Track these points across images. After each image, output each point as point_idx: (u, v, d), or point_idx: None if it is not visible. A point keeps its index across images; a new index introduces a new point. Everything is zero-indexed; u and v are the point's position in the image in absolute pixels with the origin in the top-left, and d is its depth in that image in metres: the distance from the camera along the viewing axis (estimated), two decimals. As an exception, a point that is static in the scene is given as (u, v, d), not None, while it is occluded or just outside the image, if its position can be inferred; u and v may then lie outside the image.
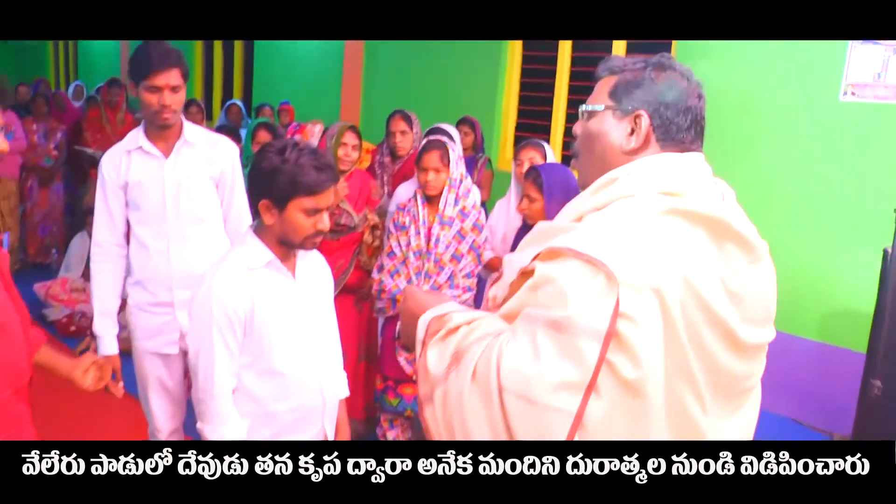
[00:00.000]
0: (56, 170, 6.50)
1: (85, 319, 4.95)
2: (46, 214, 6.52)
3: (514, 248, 3.06)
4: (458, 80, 5.97)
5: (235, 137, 4.35)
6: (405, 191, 3.53)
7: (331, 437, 2.07)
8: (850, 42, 3.84)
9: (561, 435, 1.04)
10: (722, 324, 1.12)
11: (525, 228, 3.03)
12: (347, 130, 3.42)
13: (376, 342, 3.53)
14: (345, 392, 2.18)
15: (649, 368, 1.04)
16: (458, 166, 3.09)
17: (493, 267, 3.30)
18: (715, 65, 4.41)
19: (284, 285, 1.92)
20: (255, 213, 1.94)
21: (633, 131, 1.21)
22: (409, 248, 3.07)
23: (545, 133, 5.47)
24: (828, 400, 4.01)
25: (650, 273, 1.05)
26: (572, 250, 1.07)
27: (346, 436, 2.12)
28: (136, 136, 2.51)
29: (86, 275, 5.53)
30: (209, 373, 1.87)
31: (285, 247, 1.93)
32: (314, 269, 2.04)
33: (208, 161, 2.54)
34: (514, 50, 5.73)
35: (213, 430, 1.91)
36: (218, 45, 9.00)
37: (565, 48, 5.40)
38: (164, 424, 2.66)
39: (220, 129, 4.48)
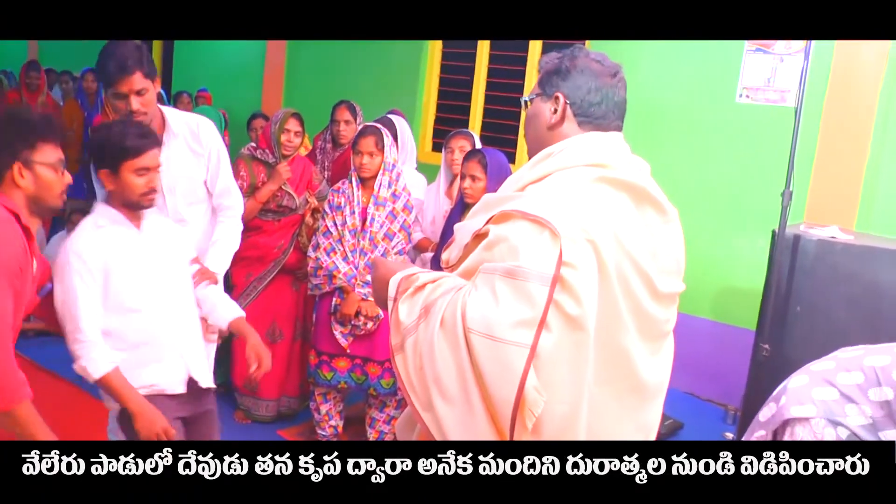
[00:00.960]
0: None
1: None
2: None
3: (446, 226, 3.19)
4: (380, 75, 6.02)
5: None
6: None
7: (190, 369, 2.26)
8: (745, 49, 4.30)
9: (520, 365, 1.20)
10: (644, 273, 1.33)
11: (457, 210, 3.19)
12: (291, 117, 3.54)
13: (311, 320, 3.64)
14: (235, 315, 2.40)
15: (588, 306, 1.23)
16: (391, 151, 3.24)
17: (423, 247, 3.53)
18: (624, 66, 4.50)
19: (130, 237, 2.18)
20: (100, 185, 2.20)
21: (554, 110, 1.44)
22: (344, 227, 3.21)
23: (464, 125, 5.53)
24: (723, 375, 4.34)
25: (586, 228, 1.26)
26: (521, 212, 1.28)
27: (267, 358, 2.32)
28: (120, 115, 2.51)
29: None
30: (76, 314, 2.06)
31: (128, 207, 2.18)
32: (161, 225, 2.30)
33: (195, 146, 2.60)
34: (434, 46, 5.81)
35: (88, 359, 2.07)
36: None
37: (483, 45, 5.51)
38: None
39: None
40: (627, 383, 1.36)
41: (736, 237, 4.40)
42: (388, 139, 3.21)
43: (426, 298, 1.34)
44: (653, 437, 1.45)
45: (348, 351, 3.21)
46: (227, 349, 3.70)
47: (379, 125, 3.27)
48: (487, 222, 1.34)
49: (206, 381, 2.31)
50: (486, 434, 1.26)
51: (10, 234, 1.74)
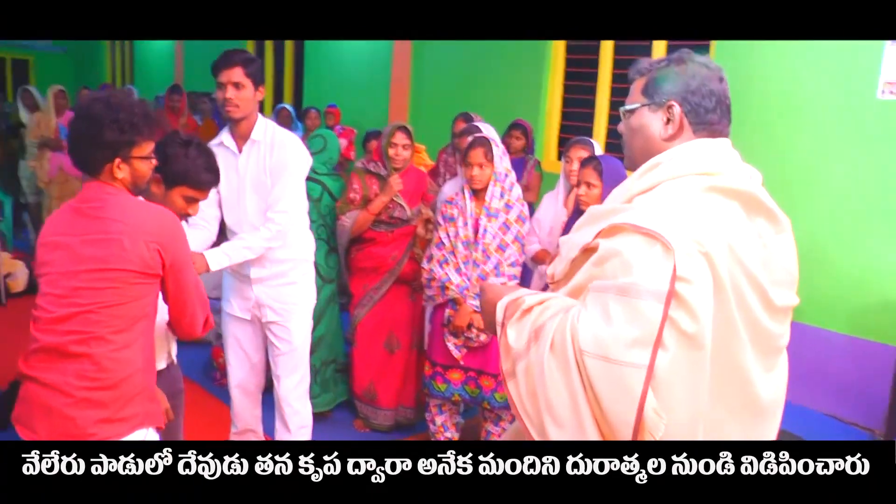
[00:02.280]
0: None
1: None
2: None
3: (565, 233, 3.13)
4: (503, 84, 5.98)
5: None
6: (450, 187, 3.67)
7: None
8: (886, 43, 3.93)
9: (637, 387, 1.16)
10: (759, 286, 1.28)
11: (574, 220, 3.11)
12: (397, 131, 3.57)
13: (426, 330, 3.67)
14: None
15: (705, 322, 1.18)
16: (501, 162, 3.20)
17: (540, 259, 3.40)
18: (755, 65, 4.46)
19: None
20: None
21: (668, 120, 1.37)
22: (457, 239, 3.19)
23: (588, 135, 5.41)
24: (862, 395, 4.01)
25: (699, 240, 1.20)
26: (632, 225, 1.23)
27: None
28: (222, 133, 2.82)
29: None
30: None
31: None
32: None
33: (268, 159, 2.74)
34: (557, 53, 5.73)
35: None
36: (269, 51, 9.07)
37: (607, 50, 5.38)
38: (240, 406, 3.00)
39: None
40: (743, 400, 1.31)
41: (876, 245, 4.05)
42: (497, 149, 3.17)
43: (534, 322, 1.31)
44: None
45: (462, 363, 3.18)
46: (349, 361, 3.82)
47: (488, 136, 3.23)
48: (597, 236, 1.29)
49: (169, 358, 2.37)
50: None
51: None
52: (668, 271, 1.17)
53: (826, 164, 4.22)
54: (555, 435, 1.24)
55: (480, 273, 3.14)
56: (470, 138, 3.27)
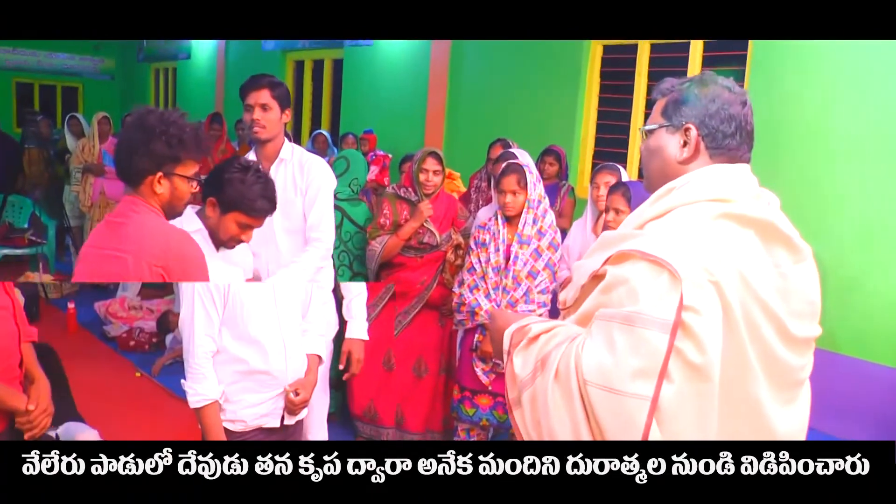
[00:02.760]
0: None
1: (143, 335, 5.20)
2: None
3: None
4: (538, 110, 5.98)
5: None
6: (484, 213, 3.67)
7: (291, 395, 2.29)
8: None
9: (641, 419, 1.14)
10: (774, 317, 1.23)
11: None
12: (428, 157, 3.56)
13: (455, 355, 3.64)
14: (312, 351, 2.40)
15: (713, 354, 1.15)
16: (535, 188, 3.20)
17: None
18: (791, 87, 4.43)
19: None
20: (203, 204, 2.23)
21: (685, 143, 1.34)
22: (488, 265, 3.21)
23: (622, 160, 5.41)
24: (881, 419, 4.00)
25: (709, 269, 1.17)
26: (639, 252, 1.20)
27: (308, 392, 2.33)
28: (249, 155, 2.82)
29: (143, 293, 5.76)
30: (190, 333, 2.15)
31: (212, 237, 2.20)
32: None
33: (298, 178, 2.76)
34: (592, 78, 5.74)
35: (191, 387, 2.16)
36: (307, 76, 9.20)
37: (642, 75, 5.38)
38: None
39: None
40: (756, 434, 1.27)
41: None
42: (531, 176, 3.16)
43: (540, 350, 1.30)
44: None
45: (490, 388, 3.16)
46: (341, 379, 3.78)
47: (522, 162, 3.21)
48: (605, 263, 1.27)
49: (294, 417, 2.39)
50: None
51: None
52: (675, 301, 1.14)
53: (862, 188, 4.17)
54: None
55: (510, 300, 3.15)
56: (503, 164, 3.27)
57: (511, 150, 3.60)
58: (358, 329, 2.91)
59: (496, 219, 3.24)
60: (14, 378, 1.90)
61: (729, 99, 1.33)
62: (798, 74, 4.40)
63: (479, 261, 3.22)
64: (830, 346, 4.28)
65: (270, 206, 2.19)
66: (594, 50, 5.69)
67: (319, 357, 2.44)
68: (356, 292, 2.92)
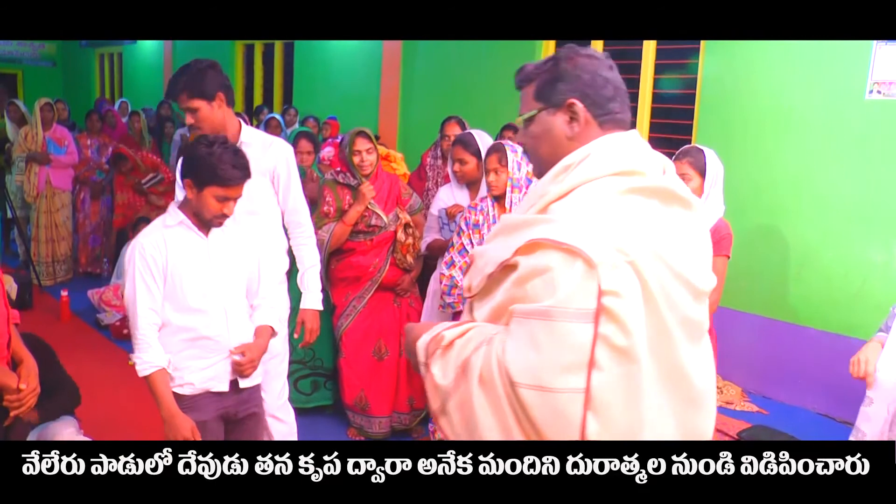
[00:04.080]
0: (107, 183, 6.62)
1: None
2: (97, 226, 6.72)
3: None
4: (494, 89, 5.95)
5: (313, 142, 4.54)
6: (445, 193, 3.66)
7: (237, 357, 2.35)
8: (874, 42, 3.93)
9: (577, 413, 1.13)
10: (684, 278, 1.25)
11: None
12: (357, 137, 3.53)
13: None
14: (263, 322, 2.48)
15: (638, 334, 1.15)
16: (520, 168, 3.15)
17: None
18: (743, 67, 4.50)
19: (196, 242, 2.31)
20: (181, 188, 2.35)
21: (571, 118, 1.32)
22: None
23: None
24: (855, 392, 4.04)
25: (623, 249, 1.16)
26: (551, 241, 1.17)
27: (255, 354, 2.38)
28: None
29: None
30: (134, 309, 2.24)
31: (198, 219, 2.30)
32: (228, 232, 2.39)
33: (262, 159, 2.71)
34: (546, 55, 5.69)
35: (138, 357, 2.25)
36: (258, 58, 9.13)
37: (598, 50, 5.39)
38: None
39: (300, 136, 4.67)
40: (685, 395, 1.28)
41: (867, 245, 4.08)
42: (512, 154, 3.12)
43: (458, 356, 1.28)
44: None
45: None
46: (336, 369, 3.82)
47: (504, 142, 3.19)
48: (515, 253, 1.23)
49: (247, 381, 2.43)
50: None
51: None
52: (594, 288, 1.13)
53: (815, 164, 4.27)
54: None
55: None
56: (491, 145, 3.27)
57: (469, 131, 3.62)
58: (312, 300, 2.90)
59: (487, 199, 3.21)
60: (2, 358, 1.90)
61: (598, 65, 1.32)
62: (751, 52, 4.45)
63: (472, 242, 3.18)
64: (791, 319, 4.39)
65: (244, 173, 2.27)
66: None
67: (272, 329, 2.50)
68: (309, 264, 2.89)
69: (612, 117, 1.32)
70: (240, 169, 2.24)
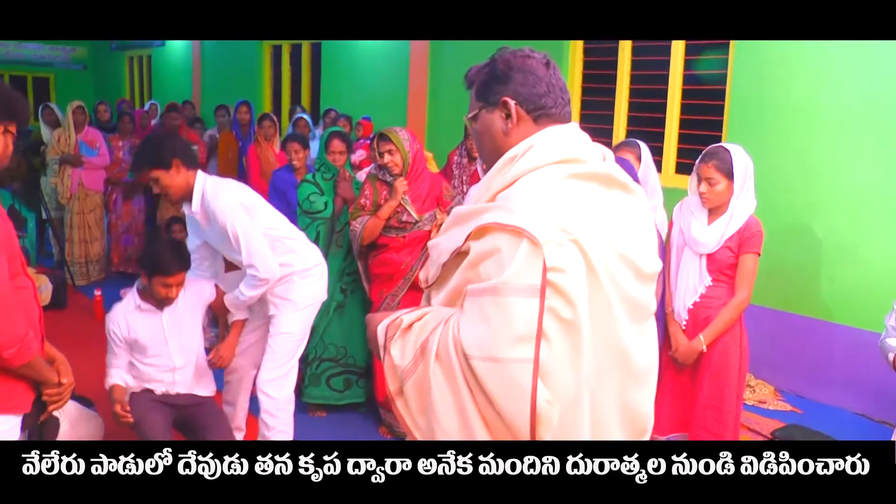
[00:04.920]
0: (138, 184, 6.58)
1: None
2: (129, 226, 6.75)
3: None
4: None
5: (304, 145, 4.62)
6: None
7: (182, 387, 2.97)
8: None
9: (527, 381, 1.19)
10: (627, 259, 1.33)
11: None
12: (378, 139, 3.61)
13: None
14: (236, 318, 3.13)
15: (581, 308, 1.23)
16: None
17: None
18: (777, 65, 4.46)
19: (153, 320, 2.95)
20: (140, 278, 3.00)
21: (507, 115, 1.40)
22: None
23: (608, 137, 5.39)
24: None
25: (566, 229, 1.24)
26: (498, 224, 1.25)
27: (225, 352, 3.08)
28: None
29: None
30: (109, 359, 2.97)
31: (153, 299, 2.92)
32: (183, 302, 2.98)
33: (215, 222, 2.94)
34: (574, 56, 5.69)
35: (107, 377, 2.95)
36: (286, 58, 9.14)
37: (626, 51, 5.33)
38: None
39: (288, 139, 4.72)
40: (625, 370, 1.35)
41: None
42: None
43: (417, 338, 1.33)
44: (651, 423, 1.43)
45: None
46: (369, 367, 3.85)
47: None
48: (466, 239, 1.31)
49: (202, 391, 3.06)
50: None
51: None
52: (539, 265, 1.20)
53: (849, 161, 4.21)
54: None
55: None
56: None
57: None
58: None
59: None
60: (41, 354, 1.96)
61: (531, 64, 1.39)
62: (783, 46, 4.41)
63: None
64: (825, 316, 4.34)
65: (183, 264, 2.85)
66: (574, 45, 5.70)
67: (243, 322, 3.10)
68: (244, 296, 3.02)
69: (545, 112, 1.39)
70: (176, 260, 2.82)
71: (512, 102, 1.38)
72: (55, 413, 2.01)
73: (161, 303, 2.88)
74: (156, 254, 2.84)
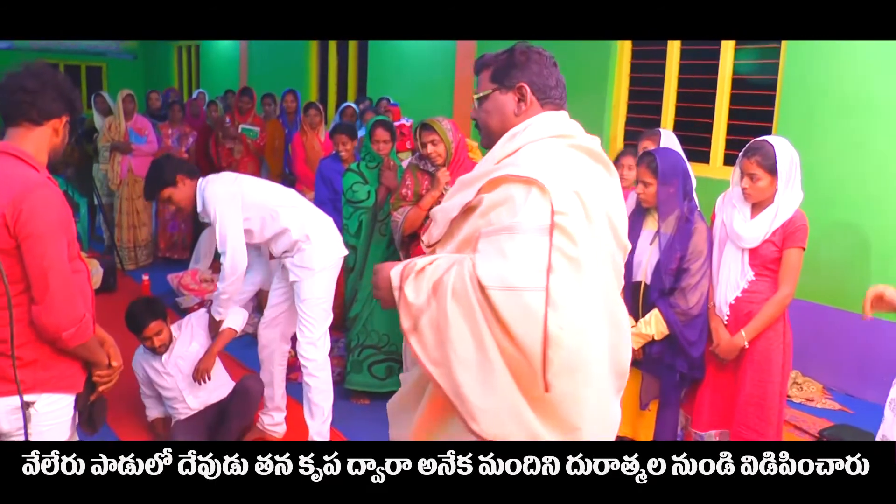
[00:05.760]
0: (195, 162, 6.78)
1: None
2: (176, 213, 6.80)
3: (630, 230, 3.13)
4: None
5: (352, 135, 4.65)
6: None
7: (198, 403, 3.29)
8: None
9: (540, 308, 1.30)
10: (613, 225, 1.50)
11: (636, 213, 3.03)
12: (421, 129, 3.62)
13: None
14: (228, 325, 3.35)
15: (583, 246, 1.37)
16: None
17: None
18: (831, 61, 4.38)
19: (156, 367, 3.29)
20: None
21: (520, 99, 1.58)
22: None
23: (655, 126, 5.17)
24: None
25: (569, 180, 1.40)
26: (511, 175, 1.42)
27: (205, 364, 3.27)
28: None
29: (214, 267, 5.75)
30: (143, 399, 3.47)
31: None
32: (179, 345, 3.30)
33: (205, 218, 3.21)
34: (623, 48, 5.64)
35: (147, 416, 3.43)
36: (332, 50, 9.11)
37: (675, 45, 5.27)
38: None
39: (336, 130, 4.78)
40: (614, 319, 1.49)
41: None
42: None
43: (430, 277, 1.42)
44: (626, 374, 1.56)
45: None
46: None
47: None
48: (479, 192, 1.47)
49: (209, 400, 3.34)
50: (507, 391, 1.33)
51: None
52: (547, 208, 1.35)
53: None
54: (462, 377, 1.34)
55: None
56: None
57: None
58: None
59: None
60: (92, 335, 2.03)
61: (545, 61, 1.60)
62: (838, 45, 4.34)
63: None
64: (875, 313, 4.22)
65: (155, 316, 3.17)
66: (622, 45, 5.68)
67: (231, 332, 3.31)
68: (222, 295, 3.23)
69: (551, 101, 1.60)
70: (147, 313, 3.17)
71: (528, 88, 1.56)
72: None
73: (153, 351, 3.22)
74: (129, 313, 3.19)
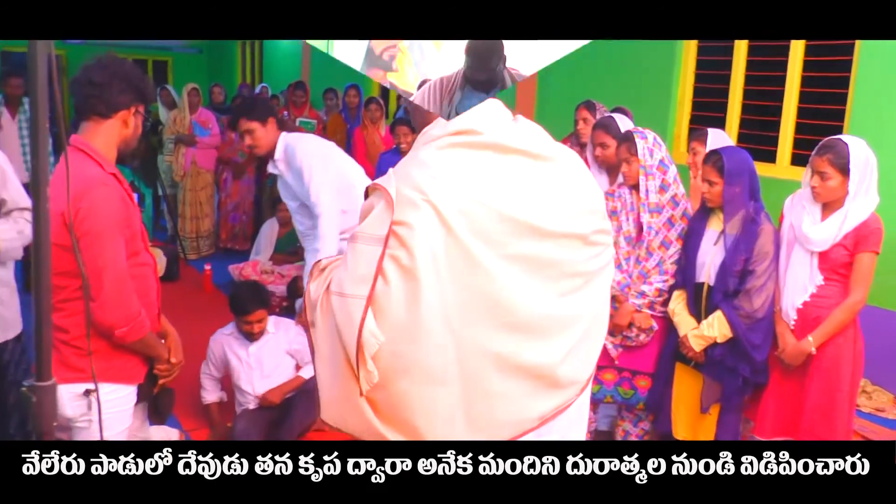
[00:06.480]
0: (248, 164, 6.87)
1: (274, 298, 5.15)
2: (238, 204, 6.95)
3: (692, 230, 2.98)
4: (632, 75, 5.79)
5: (412, 128, 4.69)
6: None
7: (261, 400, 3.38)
8: None
9: (358, 314, 1.36)
10: (517, 220, 1.41)
11: (701, 212, 3.00)
12: (398, 125, 3.81)
13: None
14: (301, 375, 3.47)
15: (422, 259, 1.37)
16: (652, 155, 3.03)
17: None
18: (871, 58, 4.33)
19: (241, 351, 3.36)
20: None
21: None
22: (619, 234, 3.06)
23: (721, 126, 5.14)
24: None
25: (423, 191, 1.39)
26: (373, 184, 1.47)
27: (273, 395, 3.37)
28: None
29: (274, 258, 5.86)
30: (204, 378, 3.48)
31: (244, 333, 3.35)
32: (270, 341, 3.38)
33: (291, 166, 3.26)
34: (689, 44, 5.59)
35: (203, 392, 3.49)
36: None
37: (741, 42, 5.15)
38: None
39: (397, 122, 4.87)
40: (501, 321, 1.42)
41: None
42: (641, 142, 3.01)
43: (326, 276, 1.52)
44: (566, 373, 1.46)
45: (617, 363, 2.97)
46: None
47: (635, 129, 3.12)
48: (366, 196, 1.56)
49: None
50: (350, 388, 1.42)
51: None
52: (388, 219, 1.39)
53: None
54: (319, 367, 1.46)
55: (642, 270, 3.01)
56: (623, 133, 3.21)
57: (610, 115, 3.57)
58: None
59: (624, 187, 3.08)
60: (155, 329, 2.06)
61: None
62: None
63: (609, 230, 3.11)
64: None
65: (261, 304, 3.21)
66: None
67: (303, 380, 3.41)
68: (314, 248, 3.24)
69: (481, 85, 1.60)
70: (253, 300, 3.20)
71: None
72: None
73: (249, 336, 3.27)
74: (236, 295, 3.24)
